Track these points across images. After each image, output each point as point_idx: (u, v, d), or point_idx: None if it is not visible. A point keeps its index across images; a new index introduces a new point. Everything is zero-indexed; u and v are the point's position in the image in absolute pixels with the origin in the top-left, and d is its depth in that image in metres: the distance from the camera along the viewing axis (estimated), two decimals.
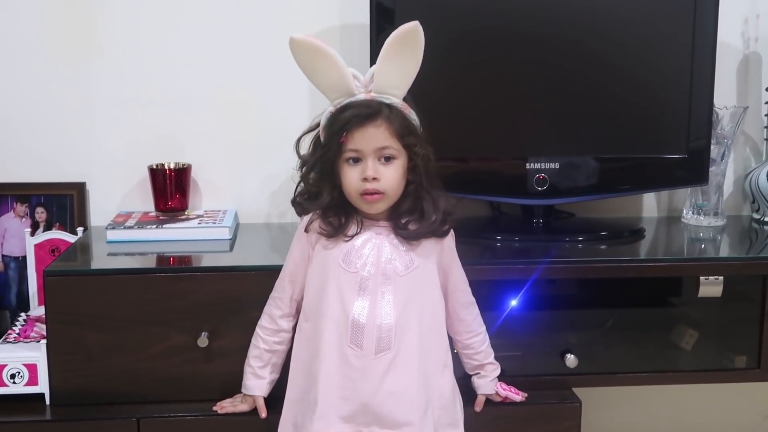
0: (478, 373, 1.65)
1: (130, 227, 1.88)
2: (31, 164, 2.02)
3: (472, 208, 2.08)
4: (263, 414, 1.59)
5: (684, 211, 2.11)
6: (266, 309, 1.58)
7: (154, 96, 2.03)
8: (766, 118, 2.13)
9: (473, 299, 1.61)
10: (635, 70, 1.91)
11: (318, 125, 1.51)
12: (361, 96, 1.46)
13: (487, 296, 1.66)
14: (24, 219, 2.01)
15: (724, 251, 2.02)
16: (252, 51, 2.04)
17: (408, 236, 1.49)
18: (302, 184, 1.53)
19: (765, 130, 2.14)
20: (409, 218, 1.49)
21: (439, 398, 1.51)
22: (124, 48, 2.01)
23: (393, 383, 1.45)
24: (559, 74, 1.89)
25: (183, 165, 2.00)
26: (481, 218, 2.10)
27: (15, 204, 2.00)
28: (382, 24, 1.80)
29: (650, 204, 2.21)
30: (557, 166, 1.91)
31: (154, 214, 1.98)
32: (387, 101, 1.45)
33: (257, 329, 1.58)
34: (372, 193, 1.45)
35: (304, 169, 1.52)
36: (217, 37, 2.03)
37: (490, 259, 1.80)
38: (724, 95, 2.09)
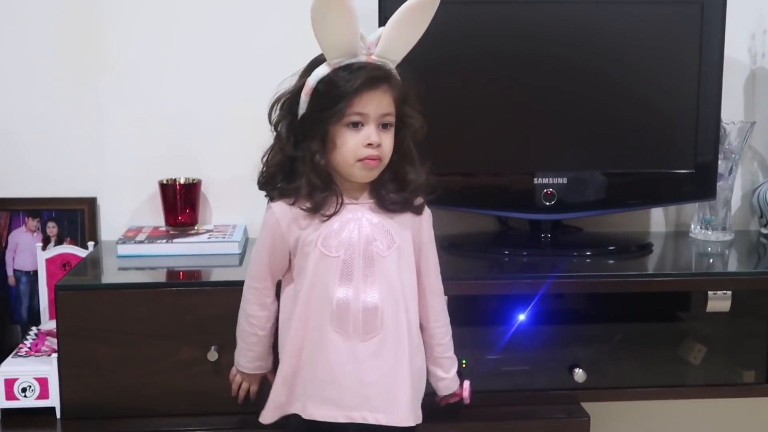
0: (437, 373, 1.57)
1: (141, 242, 1.89)
2: (42, 179, 2.03)
3: (479, 223, 2.09)
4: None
5: (692, 226, 2.11)
6: (251, 298, 1.53)
7: (164, 111, 2.05)
8: None
9: (442, 288, 1.56)
10: (643, 86, 1.91)
11: (298, 87, 1.46)
12: (362, 58, 1.42)
13: (495, 311, 1.66)
14: (35, 234, 2.02)
15: (732, 266, 2.02)
16: (263, 68, 2.04)
17: (394, 206, 1.46)
18: (278, 154, 1.49)
19: None
20: (391, 188, 1.46)
21: (419, 379, 1.50)
22: (135, 63, 2.03)
23: (382, 366, 1.44)
24: (567, 89, 1.90)
25: (193, 180, 2.01)
26: (488, 233, 2.10)
27: (26, 219, 2.02)
28: None
29: (658, 219, 2.21)
30: (565, 180, 1.92)
31: (164, 228, 1.99)
32: (388, 66, 1.43)
33: (248, 318, 1.53)
34: (373, 159, 1.42)
35: (286, 135, 1.48)
36: (228, 53, 2.04)
37: (498, 274, 1.81)
38: (732, 110, 2.08)
